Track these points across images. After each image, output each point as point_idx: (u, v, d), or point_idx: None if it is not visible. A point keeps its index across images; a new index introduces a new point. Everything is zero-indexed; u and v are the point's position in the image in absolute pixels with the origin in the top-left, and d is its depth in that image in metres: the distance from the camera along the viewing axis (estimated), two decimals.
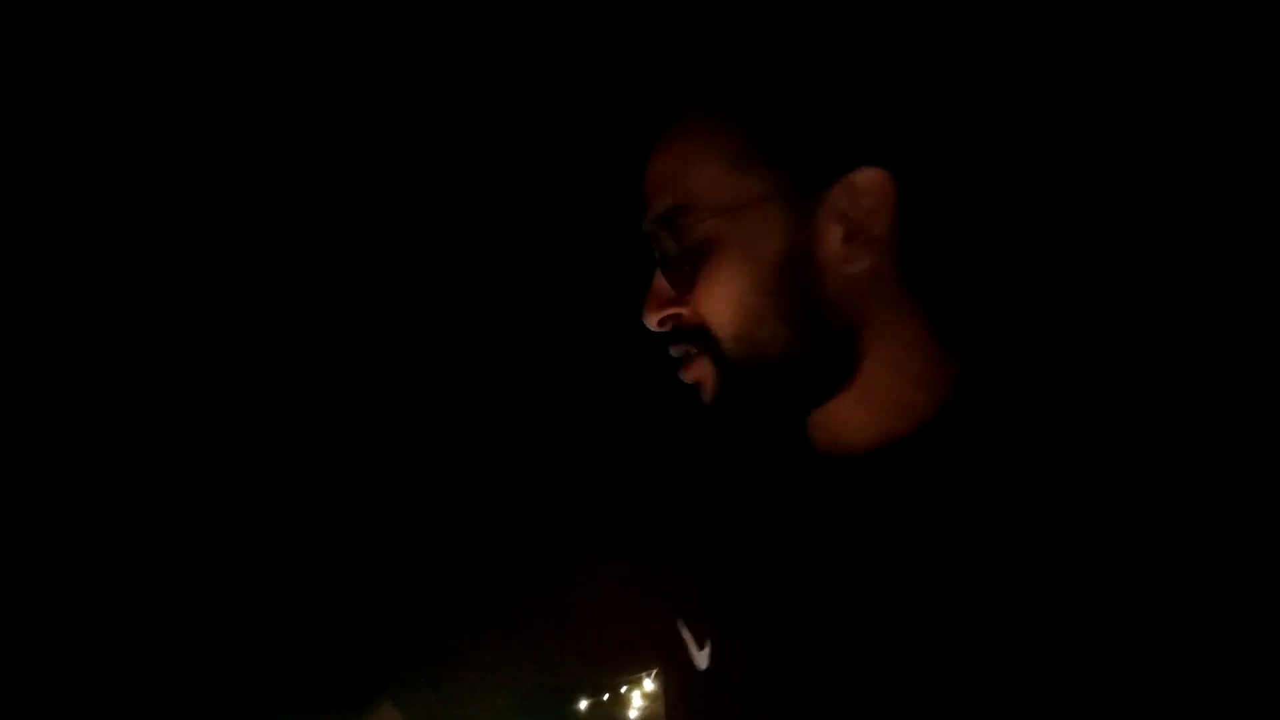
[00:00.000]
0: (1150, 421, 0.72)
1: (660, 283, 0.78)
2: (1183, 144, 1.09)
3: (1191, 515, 0.66)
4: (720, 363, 0.77)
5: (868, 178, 0.73)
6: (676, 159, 0.78)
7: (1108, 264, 1.04)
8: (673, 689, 0.96)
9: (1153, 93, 1.08)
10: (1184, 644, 0.63)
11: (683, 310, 0.77)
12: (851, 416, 0.79)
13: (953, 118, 0.81)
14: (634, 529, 1.04)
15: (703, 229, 0.75)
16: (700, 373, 0.78)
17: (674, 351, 0.80)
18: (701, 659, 0.88)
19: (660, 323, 0.79)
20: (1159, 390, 0.78)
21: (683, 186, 0.76)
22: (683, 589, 0.93)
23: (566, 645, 1.11)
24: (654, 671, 1.69)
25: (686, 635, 0.91)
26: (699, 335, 0.78)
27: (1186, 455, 0.70)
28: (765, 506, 0.87)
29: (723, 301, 0.76)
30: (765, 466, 0.89)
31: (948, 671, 0.69)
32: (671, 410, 0.95)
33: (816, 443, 0.85)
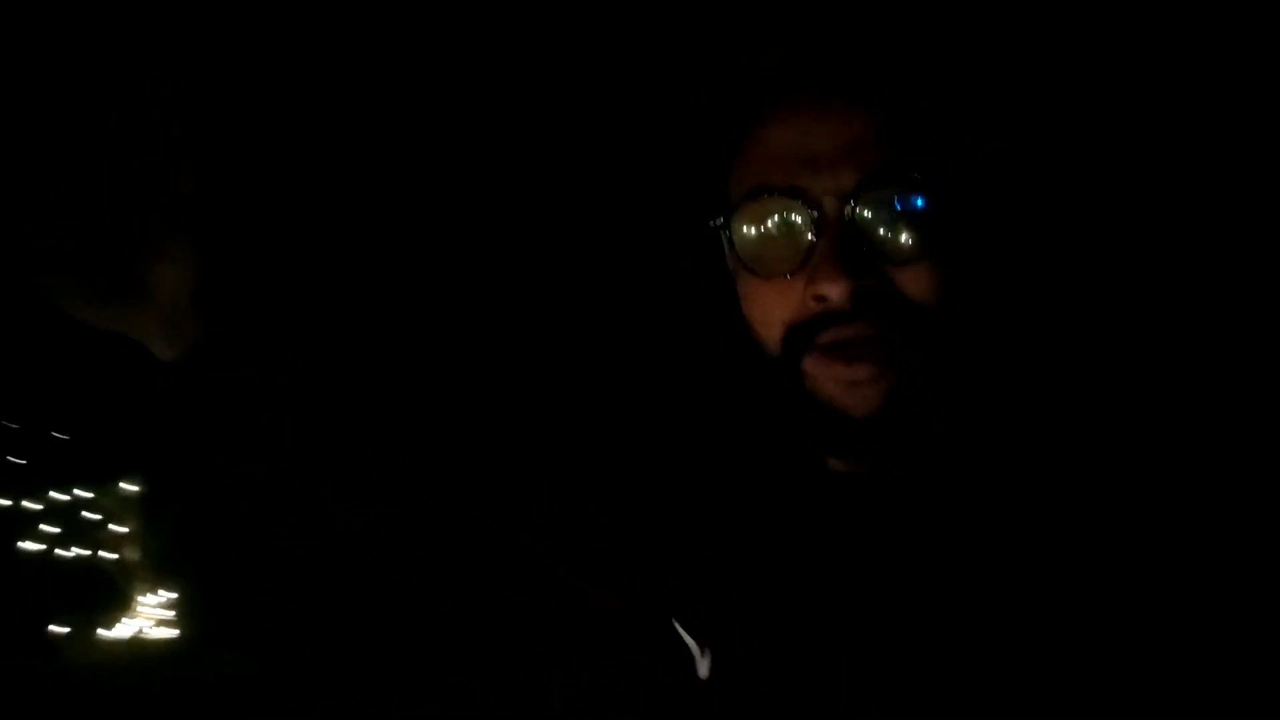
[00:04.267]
0: (1148, 420, 0.81)
1: (849, 247, 0.76)
2: (1182, 151, 1.23)
3: (1196, 507, 0.74)
4: (919, 348, 0.77)
5: None
6: (893, 117, 0.79)
7: (1106, 267, 1.14)
8: (661, 698, 1.03)
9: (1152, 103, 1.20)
10: (1187, 634, 0.71)
11: (874, 283, 0.77)
12: None
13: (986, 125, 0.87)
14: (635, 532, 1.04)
15: (933, 197, 0.77)
16: (881, 361, 0.78)
17: (850, 333, 0.78)
18: (703, 667, 0.98)
19: (854, 293, 0.77)
20: (1155, 390, 0.87)
21: (900, 149, 0.78)
22: (683, 596, 1.00)
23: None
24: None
25: (689, 640, 1.00)
26: (904, 312, 0.78)
27: (1187, 451, 0.78)
28: (773, 516, 0.94)
29: (943, 279, 0.77)
30: (774, 476, 0.96)
31: (958, 681, 0.76)
32: (683, 412, 1.06)
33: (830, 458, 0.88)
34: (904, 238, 0.79)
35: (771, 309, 0.86)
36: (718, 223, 0.87)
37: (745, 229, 0.86)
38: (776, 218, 0.82)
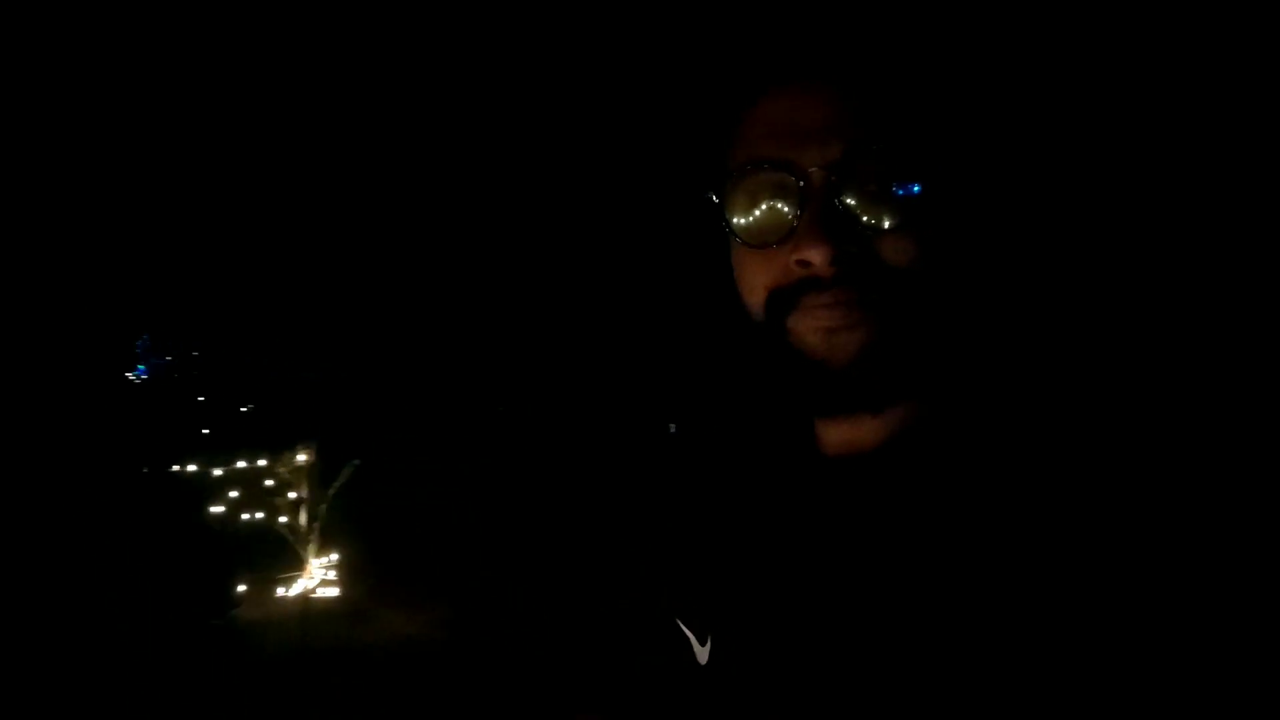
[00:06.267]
0: (1135, 420, 0.73)
1: (833, 215, 0.73)
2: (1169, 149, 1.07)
3: (1180, 511, 0.67)
4: (897, 310, 0.74)
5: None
6: (880, 93, 0.75)
7: (1093, 266, 1.01)
8: (665, 686, 0.93)
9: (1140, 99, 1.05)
10: (1174, 635, 0.64)
11: (855, 250, 0.73)
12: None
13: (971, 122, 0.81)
14: (636, 523, 0.97)
15: (915, 169, 0.73)
16: (858, 316, 0.74)
17: (830, 299, 0.74)
18: (702, 654, 0.87)
19: (835, 260, 0.73)
20: (1143, 390, 0.78)
21: (885, 124, 0.74)
22: (684, 585, 0.92)
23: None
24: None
25: (686, 631, 0.89)
26: (883, 278, 0.74)
27: (1171, 452, 0.70)
28: (770, 504, 0.86)
29: (924, 247, 0.74)
30: (770, 464, 0.88)
31: (953, 668, 0.69)
32: (680, 405, 1.16)
33: (822, 441, 0.84)
34: (885, 208, 0.74)
35: (758, 275, 0.79)
36: (711, 195, 0.81)
37: (736, 200, 0.79)
38: (765, 189, 0.77)
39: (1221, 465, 0.69)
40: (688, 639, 0.89)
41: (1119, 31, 1.05)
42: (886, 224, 0.74)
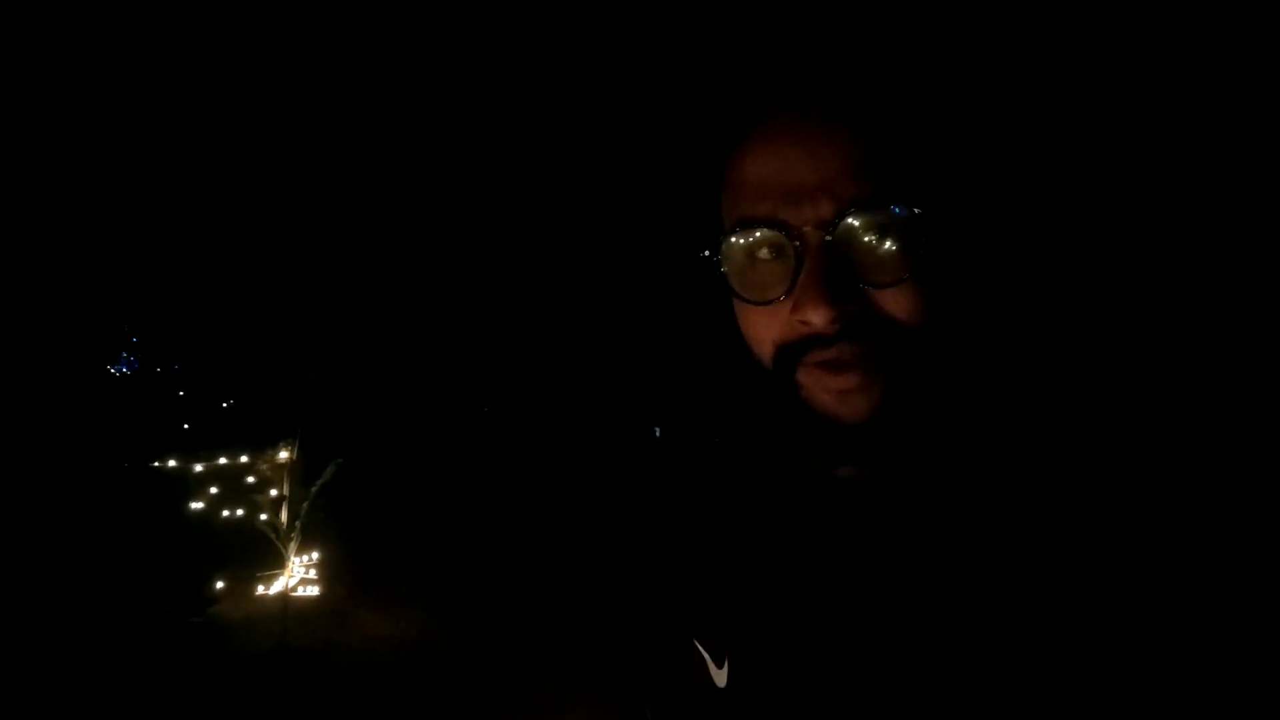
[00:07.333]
0: (1131, 426, 0.75)
1: (831, 274, 0.73)
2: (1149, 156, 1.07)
3: (1180, 513, 0.68)
4: (902, 364, 0.74)
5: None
6: (870, 145, 0.74)
7: (1079, 284, 1.01)
8: (681, 709, 0.94)
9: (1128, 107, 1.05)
10: (1175, 635, 0.65)
11: (855, 308, 0.74)
12: None
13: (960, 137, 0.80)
14: (651, 547, 0.98)
15: (910, 222, 0.73)
16: (867, 376, 0.74)
17: (835, 354, 0.74)
18: (720, 677, 0.87)
19: (837, 317, 0.73)
20: (1137, 396, 0.79)
21: (878, 177, 0.73)
22: (699, 607, 0.92)
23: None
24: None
25: (704, 653, 0.89)
26: (886, 333, 0.74)
27: (1169, 455, 0.71)
28: (784, 522, 0.86)
29: (924, 299, 0.74)
30: (783, 483, 0.88)
31: (972, 686, 0.70)
32: (695, 425, 0.97)
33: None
34: (883, 264, 0.74)
35: (762, 331, 0.80)
36: (708, 253, 0.82)
37: (732, 259, 0.79)
38: (761, 248, 0.77)
39: (1221, 480, 0.69)
40: (704, 659, 0.89)
41: (1118, 74, 1.03)
42: (885, 278, 0.74)
